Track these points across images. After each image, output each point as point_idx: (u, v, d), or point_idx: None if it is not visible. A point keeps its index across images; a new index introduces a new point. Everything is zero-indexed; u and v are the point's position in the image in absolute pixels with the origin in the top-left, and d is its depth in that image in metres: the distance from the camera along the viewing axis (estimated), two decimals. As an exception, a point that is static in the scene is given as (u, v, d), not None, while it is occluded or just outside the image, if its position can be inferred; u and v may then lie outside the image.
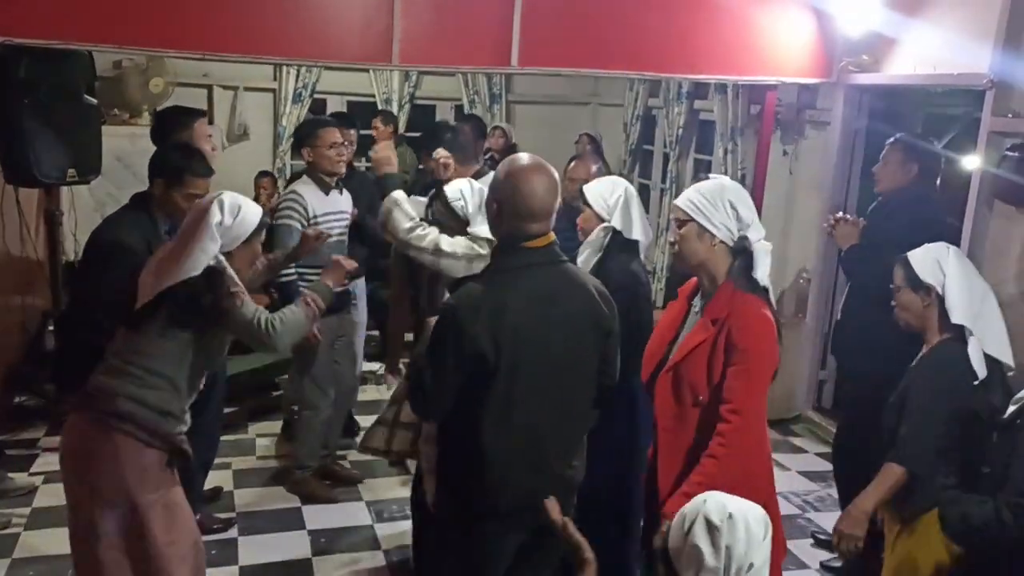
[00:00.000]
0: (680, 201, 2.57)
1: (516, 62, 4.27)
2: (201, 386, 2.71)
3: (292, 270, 3.91)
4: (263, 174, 6.74)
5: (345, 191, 4.28)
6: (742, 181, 5.85)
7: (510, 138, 7.33)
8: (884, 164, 3.87)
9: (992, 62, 3.86)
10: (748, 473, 2.43)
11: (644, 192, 7.90)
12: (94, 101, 4.21)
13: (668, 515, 2.13)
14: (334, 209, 4.12)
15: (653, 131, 7.76)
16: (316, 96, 7.55)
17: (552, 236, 2.35)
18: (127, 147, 6.06)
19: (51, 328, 5.03)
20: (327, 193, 4.11)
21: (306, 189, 4.06)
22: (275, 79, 7.42)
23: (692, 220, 2.52)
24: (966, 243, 3.97)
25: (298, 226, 3.91)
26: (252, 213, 2.69)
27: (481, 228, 2.94)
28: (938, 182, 4.01)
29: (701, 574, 1.63)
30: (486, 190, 2.78)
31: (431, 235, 3.03)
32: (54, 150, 3.90)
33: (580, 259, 3.27)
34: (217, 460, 4.17)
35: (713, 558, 1.63)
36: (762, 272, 2.50)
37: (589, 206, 3.29)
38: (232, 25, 3.92)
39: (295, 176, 4.49)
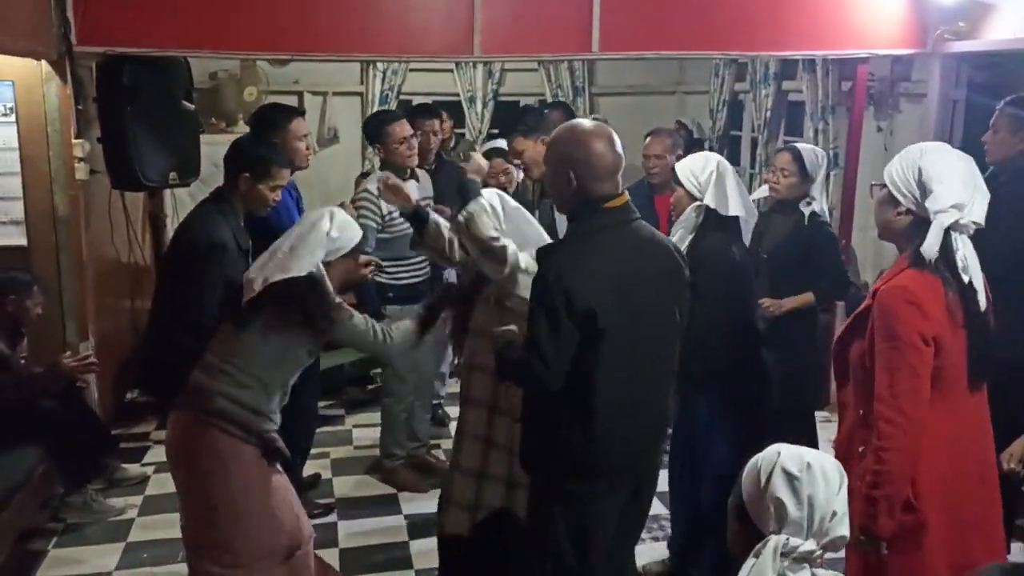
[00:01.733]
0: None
1: (597, 48, 4.28)
2: (289, 389, 2.78)
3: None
4: (364, 175, 6.89)
5: (423, 176, 4.32)
6: (835, 160, 5.69)
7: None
8: (994, 132, 3.67)
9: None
10: None
11: (733, 179, 7.76)
12: (192, 107, 4.38)
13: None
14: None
15: (741, 116, 7.62)
16: (402, 97, 7.67)
17: (626, 196, 2.38)
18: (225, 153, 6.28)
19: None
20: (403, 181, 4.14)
21: (375, 185, 4.05)
22: (362, 82, 7.57)
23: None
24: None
25: (374, 224, 3.98)
26: (355, 231, 2.82)
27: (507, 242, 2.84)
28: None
29: (785, 527, 1.60)
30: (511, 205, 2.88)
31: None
32: (156, 154, 4.07)
33: (673, 239, 3.11)
34: (316, 450, 4.30)
35: (797, 509, 1.60)
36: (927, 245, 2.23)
37: (680, 184, 3.21)
38: (319, 27, 4.05)
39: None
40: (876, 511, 2.22)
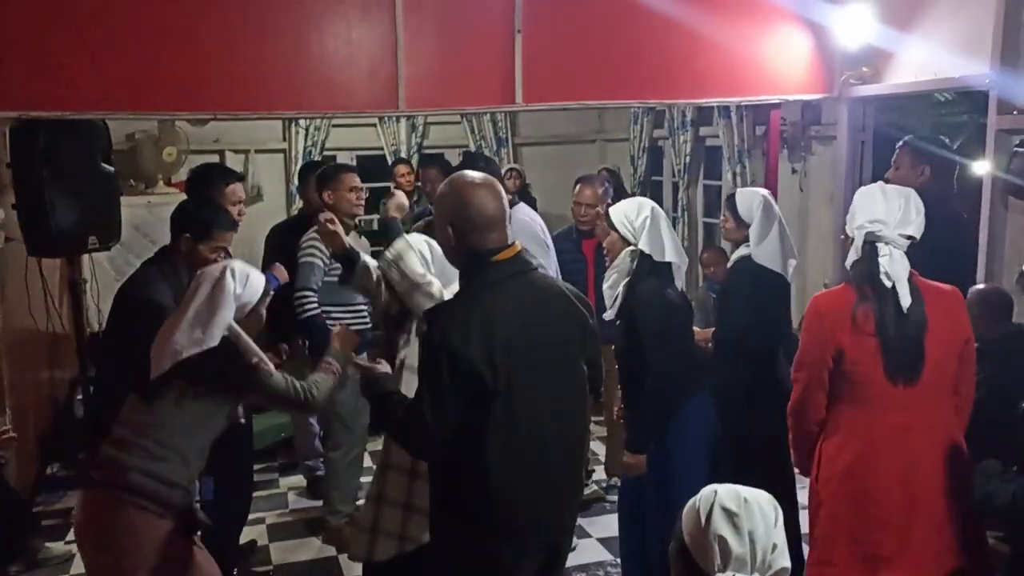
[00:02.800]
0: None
1: (521, 99, 4.35)
2: (206, 457, 2.69)
3: (315, 304, 4.07)
4: (400, 161, 6.93)
5: (363, 238, 4.34)
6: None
7: (524, 179, 7.40)
8: (896, 169, 3.88)
9: (992, 63, 3.89)
10: None
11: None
12: (112, 169, 4.29)
13: None
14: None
15: (661, 162, 7.81)
16: (325, 153, 7.65)
17: (518, 246, 2.30)
18: (145, 216, 6.15)
19: (79, 397, 5.06)
20: (347, 233, 4.16)
21: None
22: (284, 139, 7.54)
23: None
24: (984, 245, 3.95)
25: (320, 263, 4.08)
26: (258, 281, 2.76)
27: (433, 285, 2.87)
28: (954, 180, 4.01)
29: (730, 564, 1.61)
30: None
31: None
32: (75, 219, 3.97)
33: (606, 285, 3.25)
34: (251, 515, 4.16)
35: (739, 545, 1.62)
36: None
37: (614, 229, 3.22)
38: (241, 84, 4.01)
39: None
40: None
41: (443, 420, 2.16)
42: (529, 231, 4.12)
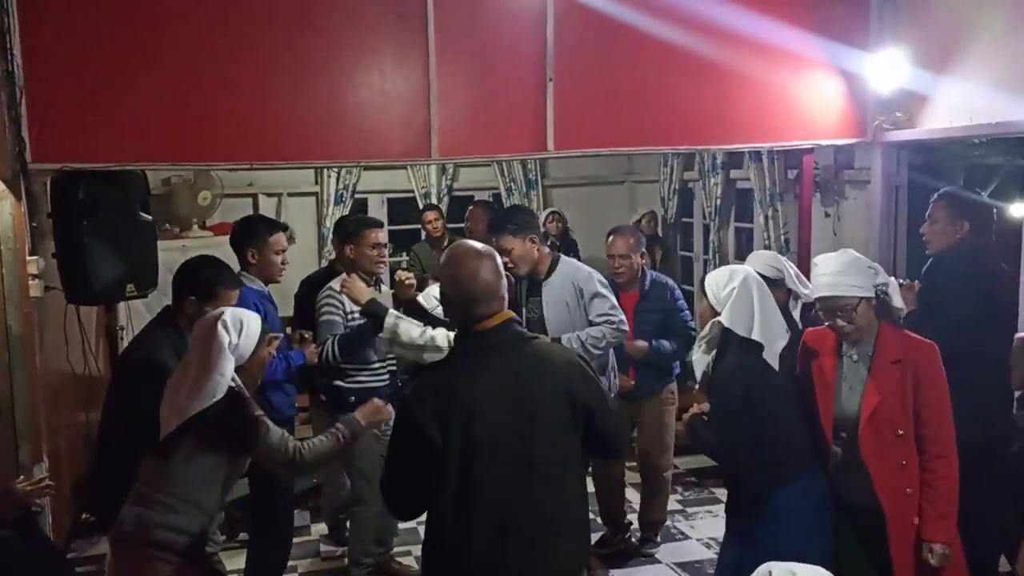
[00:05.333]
0: (838, 290, 2.82)
1: (552, 147, 4.37)
2: (223, 501, 2.72)
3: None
4: (429, 207, 6.94)
5: (384, 288, 4.35)
6: (786, 246, 5.84)
7: (566, 222, 7.40)
8: (932, 223, 3.79)
9: (1029, 108, 3.85)
10: None
11: (687, 264, 7.90)
12: (149, 218, 4.35)
13: (933, 540, 2.76)
14: None
15: (691, 203, 7.81)
16: (357, 196, 7.73)
17: (508, 314, 2.30)
18: (180, 259, 6.05)
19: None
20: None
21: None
22: (316, 183, 7.63)
23: (861, 299, 2.81)
24: (1024, 291, 3.89)
25: (339, 320, 4.03)
26: (254, 325, 2.76)
27: None
28: (993, 232, 3.94)
29: None
30: None
31: (441, 331, 3.00)
32: (113, 267, 4.01)
33: (693, 356, 3.12)
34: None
35: None
36: (898, 299, 2.89)
37: (705, 295, 3.08)
38: (276, 134, 4.07)
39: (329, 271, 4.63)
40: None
41: (400, 482, 2.24)
42: (560, 297, 4.02)
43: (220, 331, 2.64)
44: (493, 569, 2.19)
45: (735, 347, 2.92)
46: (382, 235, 4.23)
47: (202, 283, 3.17)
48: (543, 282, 4.02)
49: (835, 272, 2.85)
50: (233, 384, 2.63)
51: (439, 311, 3.07)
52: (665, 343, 4.43)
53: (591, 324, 3.92)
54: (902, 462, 2.82)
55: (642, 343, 4.38)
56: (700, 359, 3.03)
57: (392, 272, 4.48)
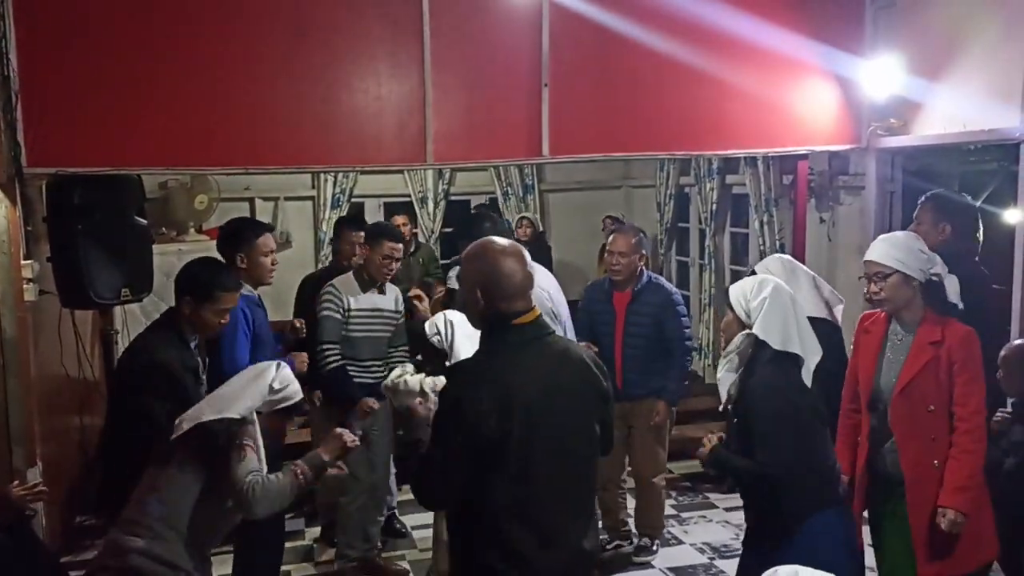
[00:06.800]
0: (880, 257, 3.02)
1: (547, 152, 4.38)
2: (208, 548, 2.70)
3: (338, 356, 4.19)
4: (399, 212, 7.01)
5: (392, 295, 4.41)
6: (781, 251, 5.84)
7: (537, 227, 7.44)
8: (917, 224, 3.83)
9: (1022, 115, 3.87)
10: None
11: (683, 269, 7.91)
12: (144, 222, 4.35)
13: (947, 506, 2.90)
14: (369, 307, 4.31)
15: (687, 208, 7.82)
16: (353, 200, 7.74)
17: (538, 311, 2.34)
18: (176, 263, 6.09)
19: (109, 446, 5.11)
20: (364, 291, 4.30)
21: (344, 285, 4.30)
22: (313, 187, 7.64)
23: (896, 272, 2.98)
24: (1018, 296, 3.91)
25: (338, 316, 4.20)
26: (296, 391, 2.81)
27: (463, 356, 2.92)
28: (980, 236, 3.95)
29: None
30: (459, 321, 2.94)
31: (416, 376, 3.12)
32: (108, 272, 4.01)
33: (719, 373, 2.90)
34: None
35: None
36: (954, 294, 3.02)
37: (731, 308, 2.87)
38: (273, 139, 4.09)
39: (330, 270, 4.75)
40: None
41: (451, 478, 2.22)
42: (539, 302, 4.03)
43: (271, 371, 2.74)
44: (549, 552, 2.26)
45: (768, 362, 2.74)
46: (398, 250, 4.32)
47: (200, 284, 3.17)
48: None
49: (886, 243, 3.07)
50: (248, 416, 2.64)
51: (436, 339, 3.10)
52: (672, 374, 4.44)
53: None
54: (932, 437, 2.99)
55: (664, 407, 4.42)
56: (726, 377, 2.83)
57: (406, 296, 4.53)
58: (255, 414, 2.67)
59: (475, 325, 2.43)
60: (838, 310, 3.61)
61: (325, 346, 4.18)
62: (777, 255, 3.60)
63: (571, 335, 4.03)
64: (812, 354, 2.78)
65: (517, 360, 2.26)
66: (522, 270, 2.31)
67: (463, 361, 2.53)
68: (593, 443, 2.39)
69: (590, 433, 2.37)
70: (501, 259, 2.30)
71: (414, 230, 6.92)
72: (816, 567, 2.51)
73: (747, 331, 2.78)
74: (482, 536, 2.27)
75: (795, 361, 2.74)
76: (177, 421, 2.61)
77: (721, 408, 2.94)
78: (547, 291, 4.06)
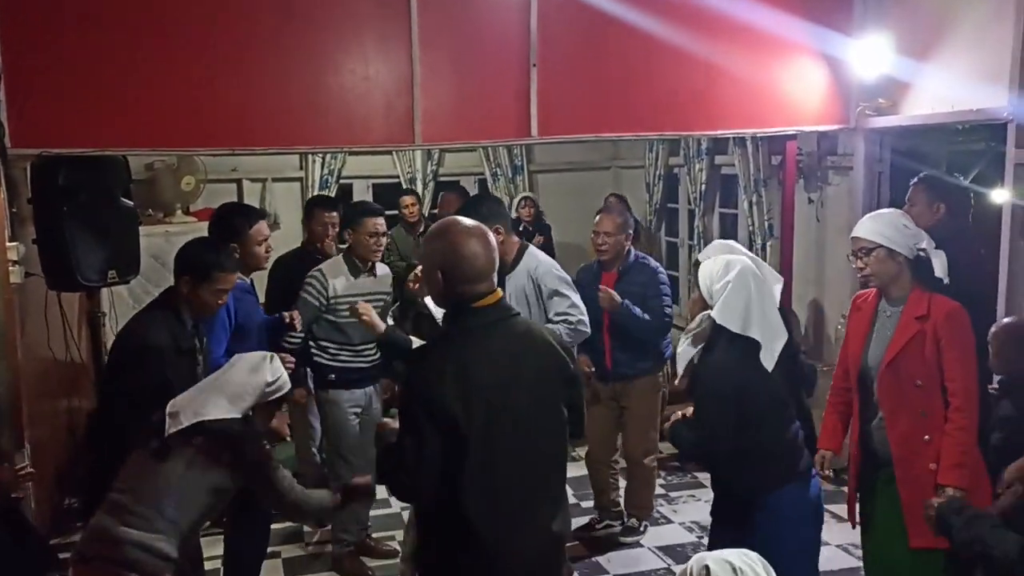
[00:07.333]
0: (865, 233, 3.05)
1: (536, 132, 4.37)
2: (198, 535, 2.73)
3: (299, 341, 4.18)
4: (406, 192, 7.05)
5: (381, 271, 4.37)
6: (770, 231, 5.86)
7: (538, 207, 7.43)
8: (910, 206, 3.86)
9: (1010, 95, 3.87)
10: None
11: (672, 250, 7.92)
12: (131, 204, 4.32)
13: (945, 484, 2.90)
14: (361, 291, 4.21)
15: (676, 189, 7.81)
16: (342, 181, 7.70)
17: (499, 292, 2.32)
18: (163, 245, 6.17)
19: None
20: (356, 276, 4.23)
21: (332, 269, 4.23)
22: (301, 168, 7.60)
23: (880, 246, 3.00)
24: (1004, 278, 3.92)
25: (314, 302, 4.15)
26: (286, 382, 2.81)
27: None
28: (970, 217, 3.98)
29: None
30: None
31: None
32: (94, 254, 3.98)
33: (679, 349, 2.99)
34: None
35: None
36: (941, 270, 3.00)
37: (698, 287, 2.95)
38: (260, 120, 4.06)
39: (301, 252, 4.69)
40: None
41: (424, 465, 2.17)
42: (522, 290, 3.91)
43: (266, 364, 2.72)
44: (513, 539, 2.24)
45: (726, 343, 2.79)
46: (381, 224, 4.26)
47: (199, 264, 3.17)
48: (507, 274, 3.89)
49: (871, 219, 3.12)
50: (250, 414, 2.64)
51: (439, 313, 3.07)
52: (638, 309, 4.36)
53: (550, 322, 3.80)
54: (921, 411, 3.02)
55: (615, 296, 4.32)
56: (685, 351, 2.92)
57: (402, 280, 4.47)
58: (250, 412, 2.68)
59: (438, 305, 2.43)
60: (776, 289, 3.57)
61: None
62: (717, 240, 3.58)
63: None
64: (774, 338, 2.80)
65: (477, 343, 2.24)
66: (485, 253, 2.26)
67: (423, 346, 2.53)
68: (559, 426, 2.37)
69: (556, 416, 2.35)
70: (463, 240, 2.26)
71: (426, 212, 6.93)
72: (781, 541, 2.66)
73: (707, 312, 2.85)
74: (445, 521, 2.24)
75: (754, 344, 2.77)
76: (169, 410, 2.57)
77: (677, 382, 3.08)
78: (540, 273, 3.96)
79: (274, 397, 2.74)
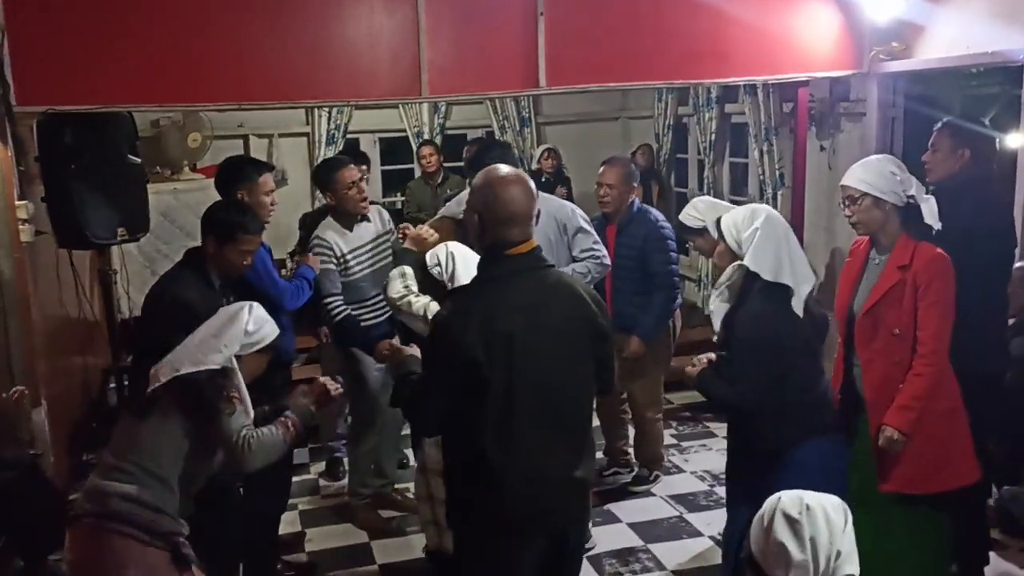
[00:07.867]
0: (851, 181, 3.00)
1: (544, 83, 4.31)
2: (195, 489, 2.66)
3: (342, 307, 4.04)
4: (425, 143, 7.07)
5: (376, 217, 4.28)
6: (780, 180, 5.81)
7: (560, 158, 7.39)
8: (933, 152, 3.75)
9: (1026, 37, 3.80)
10: (944, 387, 2.96)
11: (682, 200, 7.87)
12: (138, 160, 4.31)
13: (887, 423, 2.92)
14: (360, 244, 4.15)
15: (685, 139, 7.74)
16: (348, 136, 7.66)
17: (534, 243, 2.35)
18: (171, 203, 6.20)
19: (112, 385, 5.13)
20: (351, 229, 4.14)
21: (329, 232, 4.10)
22: (308, 123, 7.56)
23: (866, 195, 2.95)
24: (1020, 221, 3.88)
25: (333, 267, 4.03)
26: (272, 330, 2.75)
27: None
28: (995, 163, 3.91)
29: (791, 571, 1.62)
30: (461, 253, 2.90)
31: (421, 301, 3.09)
32: (103, 211, 3.99)
33: (712, 304, 2.97)
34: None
35: (799, 551, 1.63)
36: (930, 216, 2.93)
37: (723, 238, 2.91)
38: (265, 74, 4.01)
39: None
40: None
41: (442, 401, 2.29)
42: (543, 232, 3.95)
43: (243, 314, 2.69)
44: (531, 480, 2.30)
45: (759, 292, 2.77)
46: (354, 172, 4.13)
47: (224, 224, 3.22)
48: None
49: (859, 167, 3.06)
50: (230, 364, 2.61)
51: (436, 271, 3.05)
52: (650, 320, 4.39)
53: (575, 260, 3.94)
54: (896, 360, 2.99)
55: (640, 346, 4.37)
56: (719, 308, 2.89)
57: (396, 222, 4.39)
58: (236, 361, 2.63)
59: (477, 252, 2.46)
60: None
61: (327, 300, 4.05)
62: (699, 199, 3.61)
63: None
64: (804, 282, 2.81)
65: (505, 289, 2.29)
66: (524, 199, 2.31)
67: (458, 288, 2.63)
68: (585, 379, 2.40)
69: (581, 367, 2.38)
70: (501, 185, 2.32)
71: (444, 163, 6.93)
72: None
73: (739, 262, 2.82)
74: (466, 466, 2.33)
75: (786, 291, 2.76)
76: (152, 370, 2.57)
77: (715, 339, 3.00)
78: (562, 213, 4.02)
79: (258, 347, 2.71)
